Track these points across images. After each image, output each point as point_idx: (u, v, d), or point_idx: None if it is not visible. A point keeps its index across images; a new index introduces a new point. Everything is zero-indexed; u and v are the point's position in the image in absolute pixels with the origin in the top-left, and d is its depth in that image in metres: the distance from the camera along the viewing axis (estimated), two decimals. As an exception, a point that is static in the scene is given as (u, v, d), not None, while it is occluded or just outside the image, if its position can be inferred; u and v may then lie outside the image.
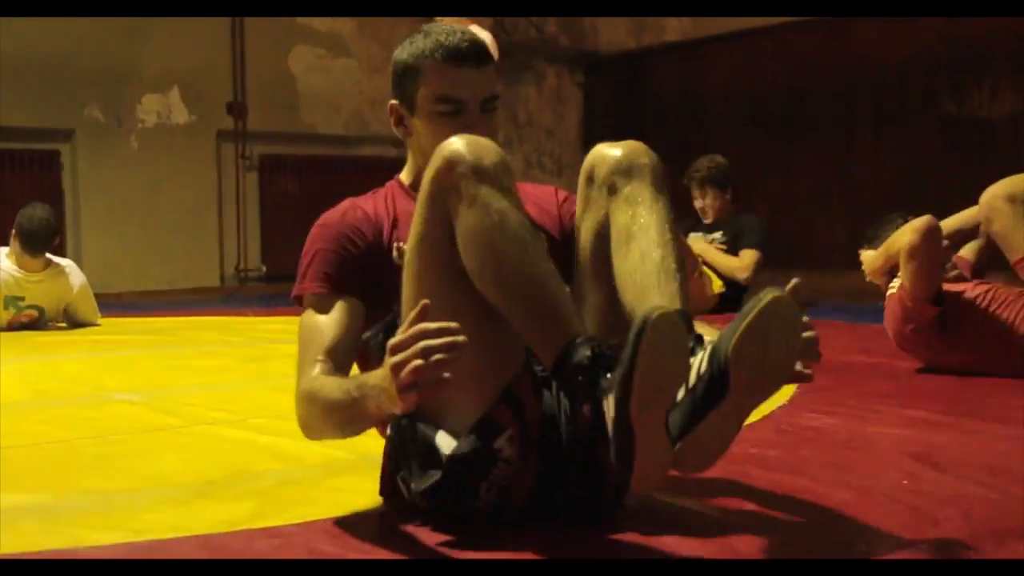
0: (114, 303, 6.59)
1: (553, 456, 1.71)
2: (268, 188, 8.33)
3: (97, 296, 5.63)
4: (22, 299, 5.27)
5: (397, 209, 1.94)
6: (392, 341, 1.51)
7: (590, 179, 1.83)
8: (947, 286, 3.49)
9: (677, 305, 1.60)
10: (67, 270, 5.41)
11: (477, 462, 1.66)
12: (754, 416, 2.66)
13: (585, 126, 10.04)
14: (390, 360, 1.50)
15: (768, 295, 1.45)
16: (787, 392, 3.02)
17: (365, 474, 2.19)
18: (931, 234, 3.33)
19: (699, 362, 1.48)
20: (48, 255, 5.36)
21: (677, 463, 1.50)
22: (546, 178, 9.90)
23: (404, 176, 2.02)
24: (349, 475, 2.20)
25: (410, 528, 1.75)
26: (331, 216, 1.94)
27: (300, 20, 8.42)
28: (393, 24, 8.67)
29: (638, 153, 1.78)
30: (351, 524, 1.84)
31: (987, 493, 1.95)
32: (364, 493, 2.02)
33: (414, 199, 1.76)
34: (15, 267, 5.22)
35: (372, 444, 2.41)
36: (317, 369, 1.80)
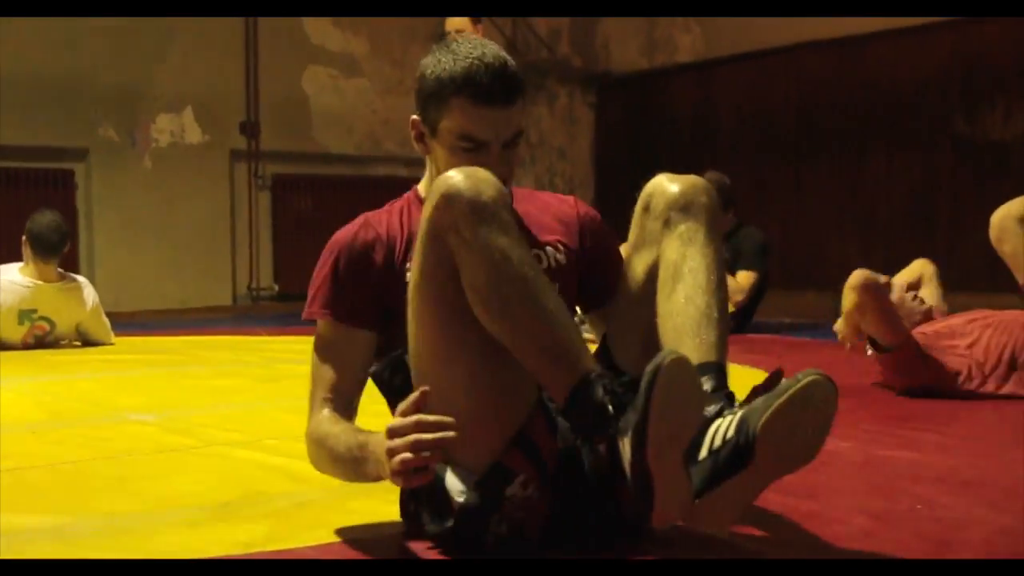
0: (127, 322, 6.61)
1: (570, 488, 1.71)
2: (280, 207, 8.35)
3: (110, 315, 5.64)
4: (35, 311, 5.27)
5: (412, 224, 1.89)
6: (391, 425, 1.59)
7: (646, 208, 1.82)
8: (922, 328, 3.55)
9: (712, 357, 1.60)
10: (81, 285, 5.42)
11: (488, 509, 1.67)
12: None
13: (597, 146, 10.05)
14: (386, 444, 1.58)
15: (808, 377, 1.45)
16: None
17: (380, 497, 2.18)
18: (866, 287, 3.37)
19: (726, 426, 1.48)
20: (61, 270, 5.37)
21: (692, 518, 1.51)
22: (558, 198, 9.90)
23: (422, 187, 1.98)
24: (364, 498, 2.18)
25: (426, 551, 1.75)
26: (343, 236, 1.92)
27: (313, 40, 8.46)
28: (406, 44, 8.71)
29: (698, 191, 1.78)
30: (367, 547, 1.84)
31: (1004, 518, 1.94)
32: (379, 516, 2.02)
33: None
34: (29, 279, 5.23)
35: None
36: (325, 411, 1.84)
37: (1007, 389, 3.40)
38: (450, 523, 1.68)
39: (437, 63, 1.81)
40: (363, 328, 1.86)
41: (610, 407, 1.50)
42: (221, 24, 7.80)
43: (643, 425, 1.42)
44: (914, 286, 3.75)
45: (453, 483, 1.68)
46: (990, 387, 3.39)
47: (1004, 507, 2.01)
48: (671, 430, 1.44)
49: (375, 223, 1.92)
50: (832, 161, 8.03)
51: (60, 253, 5.30)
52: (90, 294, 5.44)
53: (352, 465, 1.75)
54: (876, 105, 7.82)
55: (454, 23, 6.42)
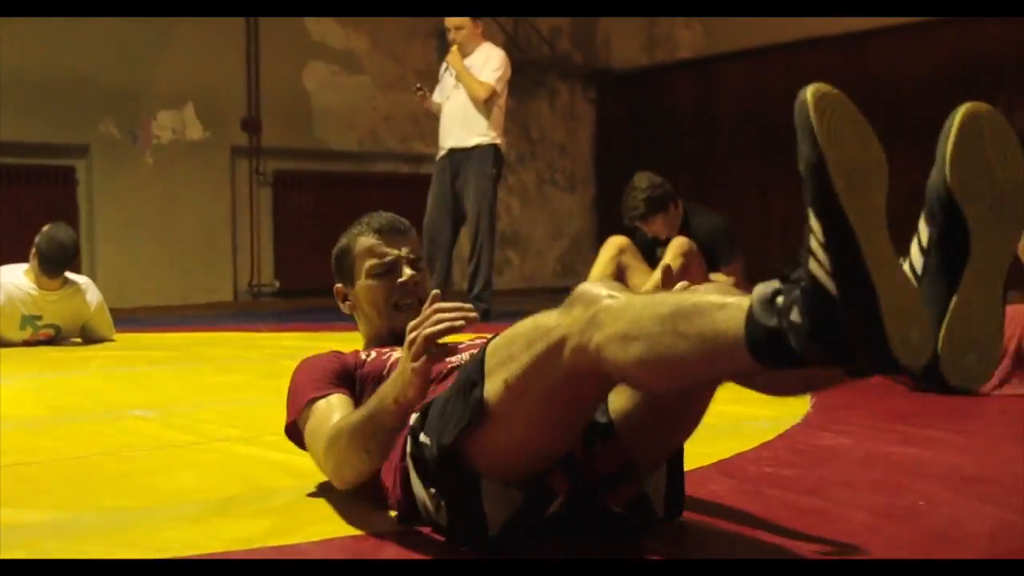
0: (128, 318, 6.61)
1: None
2: (282, 204, 8.35)
3: (111, 311, 5.65)
4: (40, 318, 5.27)
5: (366, 360, 2.15)
6: (410, 324, 1.70)
7: None
8: None
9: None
10: (84, 288, 5.41)
11: (526, 527, 1.67)
12: (769, 435, 2.68)
13: (598, 142, 10.05)
14: (408, 337, 1.69)
15: (962, 108, 1.26)
16: (802, 411, 3.01)
17: (381, 492, 2.20)
18: None
19: (918, 235, 1.29)
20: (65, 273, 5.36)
21: (945, 368, 1.23)
22: (559, 194, 9.91)
23: (362, 350, 2.25)
24: (366, 493, 2.19)
25: (431, 545, 1.75)
26: (311, 358, 2.17)
27: (314, 37, 8.45)
28: (407, 40, 8.71)
29: None
30: (369, 542, 1.84)
31: (1008, 514, 1.94)
32: (382, 511, 2.03)
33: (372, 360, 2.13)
34: (33, 285, 5.22)
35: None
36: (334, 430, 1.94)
37: (1011, 387, 3.39)
38: (485, 536, 1.67)
39: (345, 234, 2.30)
40: (349, 394, 2.06)
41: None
42: (222, 20, 7.80)
43: (819, 159, 1.15)
44: None
45: (490, 497, 1.65)
46: (994, 382, 3.38)
47: (1006, 503, 2.01)
48: (851, 162, 1.16)
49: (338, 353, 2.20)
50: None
51: (66, 269, 5.29)
52: (94, 295, 5.44)
53: (372, 419, 1.78)
54: (876, 102, 7.80)
55: (453, 20, 6.44)
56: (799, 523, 1.93)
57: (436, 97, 6.50)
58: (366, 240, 2.23)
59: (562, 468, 1.66)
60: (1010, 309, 3.53)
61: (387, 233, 2.23)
